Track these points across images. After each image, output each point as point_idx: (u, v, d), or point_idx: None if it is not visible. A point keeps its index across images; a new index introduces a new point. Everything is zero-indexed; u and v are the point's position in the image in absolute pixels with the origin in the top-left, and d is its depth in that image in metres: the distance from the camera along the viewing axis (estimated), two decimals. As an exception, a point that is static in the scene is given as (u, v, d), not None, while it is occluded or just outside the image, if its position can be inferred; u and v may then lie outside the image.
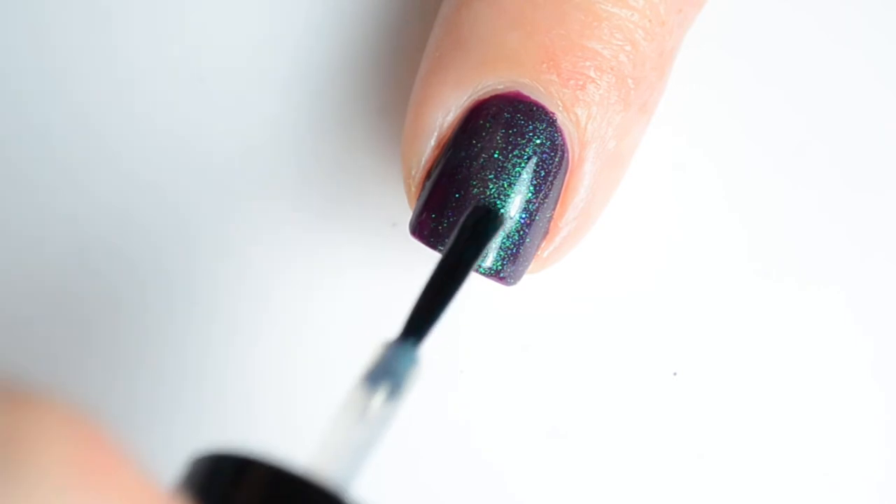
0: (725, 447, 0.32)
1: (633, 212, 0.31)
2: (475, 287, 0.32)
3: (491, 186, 0.27)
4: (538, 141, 0.27)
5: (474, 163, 0.27)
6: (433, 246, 0.27)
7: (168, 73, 0.32)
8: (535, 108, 0.27)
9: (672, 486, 0.32)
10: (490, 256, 0.27)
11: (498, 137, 0.27)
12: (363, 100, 0.32)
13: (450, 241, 0.26)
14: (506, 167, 0.27)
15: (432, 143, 0.28)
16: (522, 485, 0.32)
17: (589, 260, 0.32)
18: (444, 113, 0.27)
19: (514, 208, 0.27)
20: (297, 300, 0.32)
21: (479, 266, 0.27)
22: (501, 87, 0.27)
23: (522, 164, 0.27)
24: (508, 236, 0.27)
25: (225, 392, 0.32)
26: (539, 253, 0.28)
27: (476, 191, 0.27)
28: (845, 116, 0.32)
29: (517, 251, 0.27)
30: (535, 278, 0.31)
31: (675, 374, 0.32)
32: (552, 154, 0.27)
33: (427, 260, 0.31)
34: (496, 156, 0.27)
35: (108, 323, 0.32)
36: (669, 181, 0.32)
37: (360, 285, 0.32)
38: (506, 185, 0.27)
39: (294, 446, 0.32)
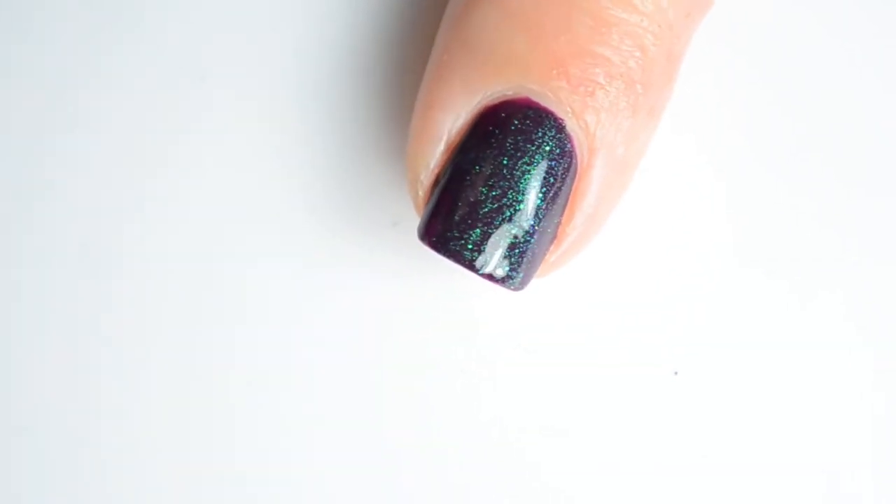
0: (728, 447, 0.32)
1: (634, 213, 0.32)
2: (478, 289, 0.32)
3: (500, 193, 0.27)
4: (547, 148, 0.27)
5: (483, 169, 0.27)
6: (442, 252, 0.27)
7: (168, 73, 0.32)
8: (544, 115, 0.27)
9: (675, 485, 0.32)
10: (498, 262, 0.27)
11: (507, 144, 0.27)
12: (364, 99, 0.32)
13: None
14: (515, 174, 0.27)
15: (441, 147, 0.27)
16: (523, 484, 0.32)
17: (589, 260, 0.32)
18: (453, 118, 0.27)
19: (523, 214, 0.27)
20: (297, 299, 0.32)
21: (489, 271, 0.27)
22: (511, 92, 0.27)
23: (531, 171, 0.27)
24: (517, 243, 0.27)
25: (221, 388, 0.32)
26: (546, 258, 0.28)
27: (483, 197, 0.27)
28: (851, 119, 0.32)
29: (525, 258, 0.27)
30: (538, 279, 0.31)
31: (675, 373, 0.32)
32: (561, 160, 0.27)
33: (428, 260, 0.31)
34: (505, 162, 0.27)
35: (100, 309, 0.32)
36: (672, 183, 0.32)
37: (360, 285, 0.32)
38: (515, 192, 0.27)
39: (293, 447, 0.32)
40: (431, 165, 0.28)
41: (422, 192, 0.28)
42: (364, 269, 0.32)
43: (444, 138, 0.27)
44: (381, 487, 0.32)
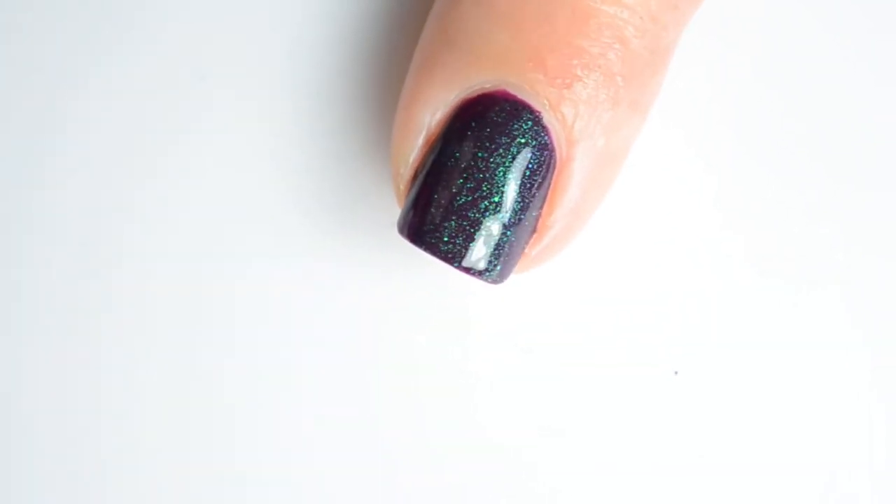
0: (726, 447, 0.31)
1: (632, 211, 0.31)
2: (476, 289, 0.32)
3: (475, 185, 0.27)
4: (523, 140, 0.27)
5: (460, 161, 0.27)
6: (418, 244, 0.27)
7: (168, 73, 0.32)
8: (520, 107, 0.26)
9: (672, 485, 0.32)
10: (474, 255, 0.27)
11: (483, 136, 0.27)
12: (362, 99, 0.32)
13: None
14: (490, 166, 0.27)
15: (420, 141, 0.27)
16: (522, 484, 0.32)
17: (589, 259, 0.31)
18: (431, 112, 0.27)
19: (499, 207, 0.27)
20: (295, 299, 0.32)
21: (465, 264, 0.27)
22: (489, 85, 0.27)
23: (507, 163, 0.27)
24: (492, 235, 0.27)
25: (220, 388, 0.32)
26: (527, 251, 0.28)
27: (458, 190, 0.27)
28: (842, 114, 0.31)
29: (502, 250, 0.27)
30: (535, 278, 0.31)
31: (675, 373, 0.31)
32: (538, 153, 0.27)
33: (426, 260, 0.31)
34: (480, 154, 0.27)
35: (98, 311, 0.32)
36: (670, 180, 0.31)
37: (358, 285, 0.32)
38: (490, 185, 0.27)
39: (291, 447, 0.32)
40: (411, 159, 0.27)
41: (402, 185, 0.28)
42: (362, 269, 0.32)
43: (424, 132, 0.27)
44: (377, 487, 0.32)
